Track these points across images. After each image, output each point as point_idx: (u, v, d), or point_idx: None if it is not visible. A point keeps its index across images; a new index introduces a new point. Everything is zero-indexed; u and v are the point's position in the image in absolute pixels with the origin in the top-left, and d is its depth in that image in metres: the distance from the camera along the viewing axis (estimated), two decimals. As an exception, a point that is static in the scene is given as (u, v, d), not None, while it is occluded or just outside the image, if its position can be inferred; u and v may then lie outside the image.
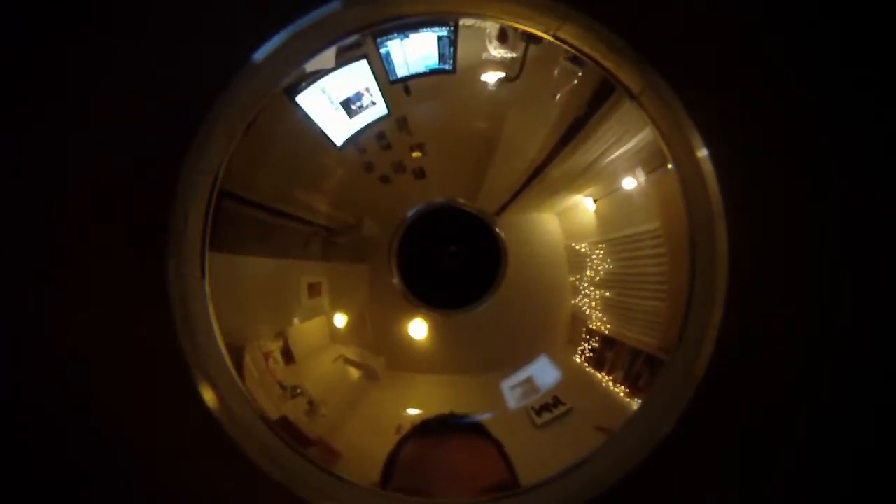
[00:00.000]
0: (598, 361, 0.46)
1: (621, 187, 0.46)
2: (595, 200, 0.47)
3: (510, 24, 0.45)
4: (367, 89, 0.43)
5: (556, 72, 0.45)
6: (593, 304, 0.46)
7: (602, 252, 0.46)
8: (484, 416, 0.46)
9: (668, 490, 0.47)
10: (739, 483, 0.48)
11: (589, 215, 0.46)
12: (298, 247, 0.46)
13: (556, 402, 0.46)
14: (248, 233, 0.46)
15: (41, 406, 0.47)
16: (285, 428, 0.46)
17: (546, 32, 0.45)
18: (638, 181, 0.46)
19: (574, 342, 0.47)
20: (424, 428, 0.45)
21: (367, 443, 0.46)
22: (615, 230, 0.46)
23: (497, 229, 0.47)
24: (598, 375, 0.46)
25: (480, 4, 0.45)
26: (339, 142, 0.45)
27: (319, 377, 0.46)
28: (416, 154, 0.45)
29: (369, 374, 0.46)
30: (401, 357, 0.47)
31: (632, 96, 0.46)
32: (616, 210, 0.46)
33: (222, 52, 0.45)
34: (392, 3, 0.45)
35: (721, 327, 0.45)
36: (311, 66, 0.44)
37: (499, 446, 0.45)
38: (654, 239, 0.46)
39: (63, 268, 0.47)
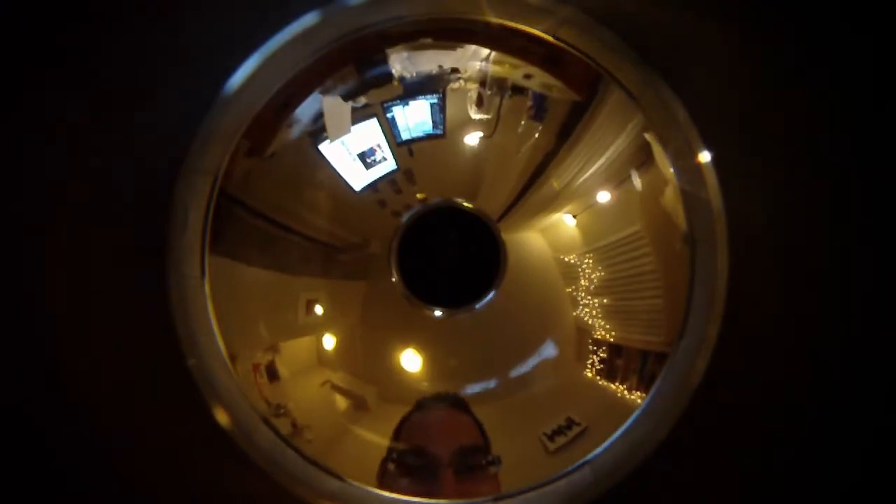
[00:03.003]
0: (609, 372, 0.46)
1: (609, 191, 0.47)
2: (587, 208, 0.47)
3: (509, 24, 0.45)
4: (379, 146, 0.47)
5: (519, 128, 0.47)
6: (594, 312, 0.46)
7: (591, 261, 0.46)
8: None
9: (668, 490, 0.47)
10: (739, 483, 0.48)
11: (572, 229, 0.47)
12: (298, 260, 0.46)
13: (570, 423, 0.46)
14: (249, 241, 0.46)
15: (41, 406, 0.47)
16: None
17: (546, 33, 0.46)
18: (634, 181, 0.46)
19: (582, 357, 0.47)
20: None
21: (354, 468, 0.46)
22: (605, 236, 0.47)
23: (496, 228, 0.47)
24: (612, 386, 0.46)
25: (480, 5, 0.45)
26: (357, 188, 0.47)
27: (306, 400, 0.46)
28: (420, 195, 0.48)
29: (359, 404, 0.46)
30: (393, 389, 0.47)
31: (631, 97, 0.46)
32: (600, 217, 0.47)
33: (222, 52, 0.45)
34: (393, 3, 0.45)
35: (721, 327, 0.45)
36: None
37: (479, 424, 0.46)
38: (640, 239, 0.46)
39: (63, 268, 0.47)
